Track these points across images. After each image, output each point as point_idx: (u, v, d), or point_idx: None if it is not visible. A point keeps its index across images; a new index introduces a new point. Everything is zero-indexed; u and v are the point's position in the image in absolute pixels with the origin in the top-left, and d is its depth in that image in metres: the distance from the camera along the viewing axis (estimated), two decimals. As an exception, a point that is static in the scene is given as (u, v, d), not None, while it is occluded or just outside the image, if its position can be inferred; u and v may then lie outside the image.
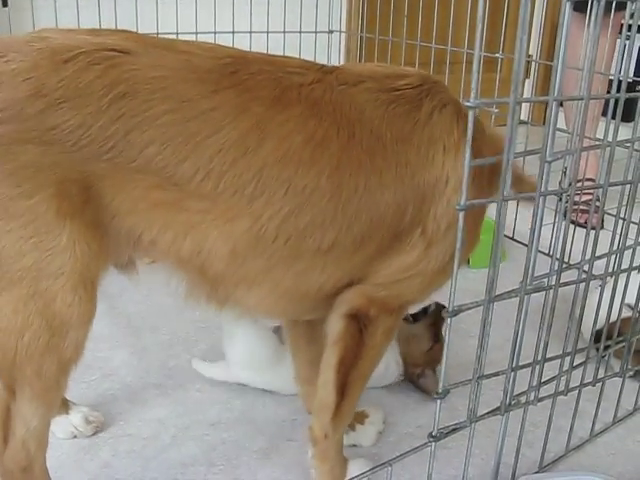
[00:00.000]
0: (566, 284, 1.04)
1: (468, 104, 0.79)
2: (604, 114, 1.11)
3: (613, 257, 1.14)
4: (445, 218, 1.01)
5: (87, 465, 1.25)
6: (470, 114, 0.80)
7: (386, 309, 1.05)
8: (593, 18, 0.91)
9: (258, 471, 1.25)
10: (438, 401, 0.95)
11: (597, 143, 1.02)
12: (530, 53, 2.80)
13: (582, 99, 0.92)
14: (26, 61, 0.86)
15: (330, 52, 2.75)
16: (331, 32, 2.79)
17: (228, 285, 1.01)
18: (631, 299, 1.27)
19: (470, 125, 0.81)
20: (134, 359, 1.58)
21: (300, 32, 2.60)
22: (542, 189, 0.91)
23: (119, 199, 0.91)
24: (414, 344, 1.45)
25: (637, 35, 0.97)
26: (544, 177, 0.90)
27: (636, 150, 1.16)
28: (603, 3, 0.90)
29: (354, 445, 1.30)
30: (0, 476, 1.00)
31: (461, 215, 0.85)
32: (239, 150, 0.90)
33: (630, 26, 1.09)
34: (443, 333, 1.48)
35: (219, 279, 1.00)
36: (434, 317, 1.47)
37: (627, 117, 1.03)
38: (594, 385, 1.25)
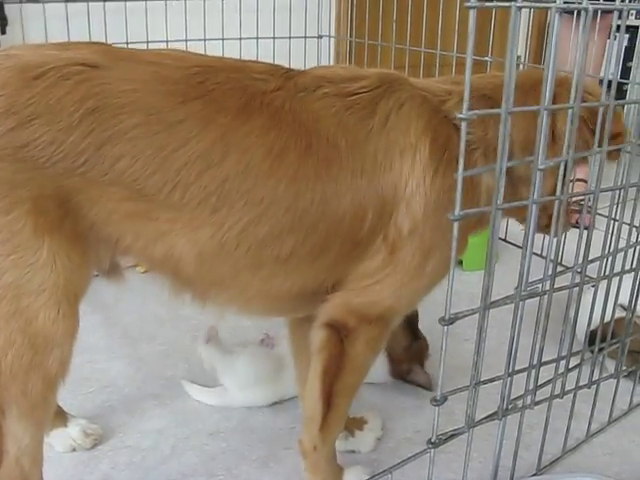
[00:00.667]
0: (560, 289, 1.05)
1: (461, 116, 0.80)
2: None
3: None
4: (407, 222, 1.01)
5: (87, 478, 1.25)
6: (463, 125, 0.81)
7: (365, 319, 1.05)
8: (581, 26, 0.92)
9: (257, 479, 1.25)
10: (436, 408, 0.96)
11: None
12: (518, 54, 2.81)
13: (572, 107, 0.93)
14: None
15: (320, 57, 2.76)
16: (320, 37, 2.80)
17: (202, 285, 1.04)
18: (624, 300, 1.28)
19: (463, 137, 0.81)
20: (131, 370, 1.58)
21: (290, 38, 2.60)
22: (535, 196, 0.92)
23: (95, 210, 0.92)
24: (392, 342, 1.46)
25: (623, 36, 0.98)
26: (537, 184, 0.91)
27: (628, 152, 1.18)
28: (591, 11, 0.91)
29: (353, 451, 1.31)
30: None
31: (455, 225, 0.86)
32: (204, 163, 0.92)
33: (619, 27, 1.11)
34: (420, 329, 1.53)
35: (192, 281, 1.03)
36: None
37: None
38: (589, 387, 1.26)
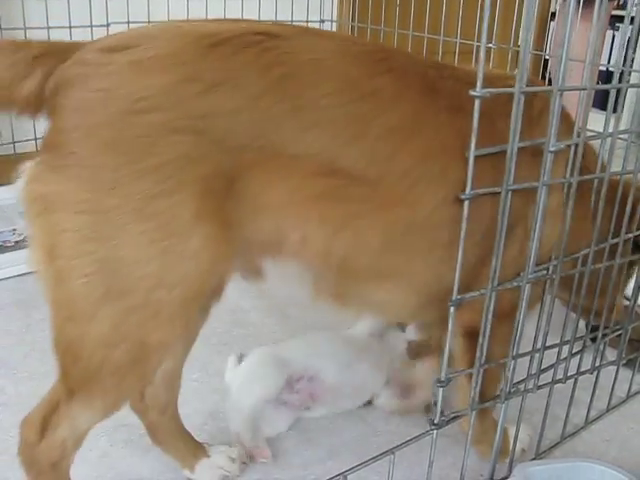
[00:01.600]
0: (567, 274, 1.05)
1: (474, 93, 0.79)
2: (593, 105, 1.12)
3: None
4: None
5: (86, 455, 1.24)
6: (476, 103, 0.81)
7: (501, 315, 0.99)
8: (595, 13, 0.92)
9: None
10: (440, 389, 0.96)
11: (595, 133, 1.02)
12: (519, 44, 2.80)
13: (585, 89, 0.93)
14: (169, 47, 0.82)
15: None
16: (322, 22, 2.79)
17: (360, 280, 0.97)
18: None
19: (476, 115, 0.81)
20: (130, 349, 1.57)
21: (292, 22, 2.59)
22: (545, 178, 0.92)
23: (268, 192, 0.85)
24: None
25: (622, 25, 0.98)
26: (547, 166, 0.91)
27: (633, 142, 1.18)
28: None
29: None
30: (25, 466, 0.98)
31: (466, 204, 0.86)
32: (400, 136, 0.88)
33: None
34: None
35: (354, 274, 0.96)
36: None
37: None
38: (592, 373, 1.26)
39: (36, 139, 2.42)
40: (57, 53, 0.85)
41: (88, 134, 0.80)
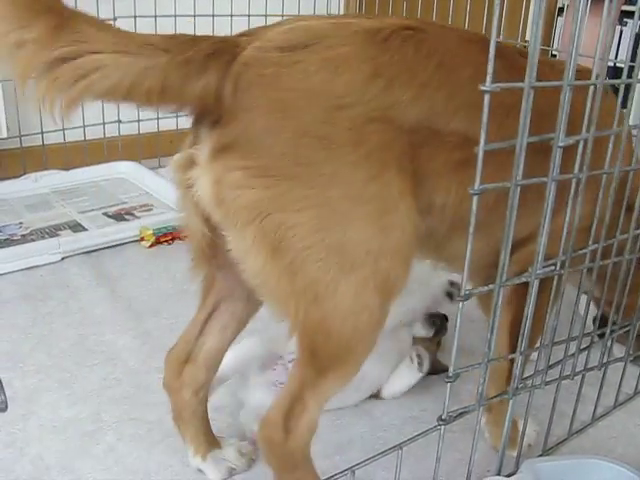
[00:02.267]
0: (575, 270, 1.05)
1: (484, 88, 0.79)
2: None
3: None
4: None
5: (92, 449, 1.25)
6: (486, 98, 0.80)
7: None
8: (606, 8, 0.91)
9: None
10: (448, 384, 0.96)
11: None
12: (527, 38, 2.79)
13: (595, 84, 0.92)
14: (350, 44, 0.88)
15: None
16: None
17: (462, 235, 0.98)
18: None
19: (485, 109, 0.81)
20: (136, 343, 1.57)
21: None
22: (554, 173, 0.91)
23: (429, 165, 0.94)
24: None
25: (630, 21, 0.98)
26: (557, 161, 0.90)
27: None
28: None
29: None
30: (278, 467, 1.00)
31: (475, 199, 0.85)
32: (514, 112, 0.88)
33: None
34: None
35: (462, 230, 0.98)
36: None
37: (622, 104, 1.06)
38: (600, 369, 1.26)
39: (42, 133, 2.44)
40: (227, 50, 0.87)
41: (297, 133, 0.85)
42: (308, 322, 0.91)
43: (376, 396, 1.42)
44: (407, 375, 1.39)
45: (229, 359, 1.25)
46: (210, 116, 0.89)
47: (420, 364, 1.37)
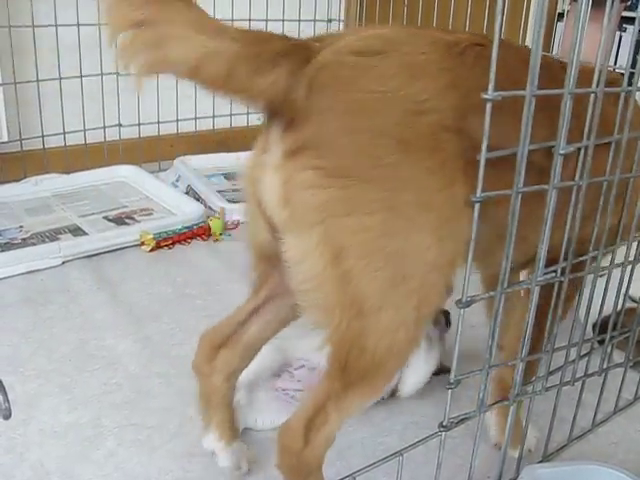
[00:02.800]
0: (576, 276, 1.05)
1: (486, 97, 0.79)
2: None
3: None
4: None
5: (93, 454, 1.25)
6: (487, 106, 0.80)
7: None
8: (606, 16, 0.92)
9: (264, 460, 1.24)
10: (449, 391, 0.96)
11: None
12: (526, 44, 2.79)
13: (595, 92, 0.93)
14: (429, 53, 0.88)
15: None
16: (330, 21, 2.79)
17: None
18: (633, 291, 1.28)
19: (487, 118, 0.81)
20: (137, 348, 1.57)
21: (299, 20, 2.60)
22: (555, 181, 0.92)
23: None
24: None
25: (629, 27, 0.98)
26: (557, 169, 0.91)
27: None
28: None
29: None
30: (289, 474, 1.00)
31: (476, 207, 0.85)
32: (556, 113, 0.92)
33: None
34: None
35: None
36: None
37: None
38: (600, 375, 1.26)
39: (43, 136, 2.44)
40: (299, 52, 0.88)
41: (374, 134, 0.85)
42: (347, 335, 0.90)
43: (393, 395, 1.41)
44: (421, 368, 1.39)
45: (247, 372, 1.26)
46: (280, 116, 0.88)
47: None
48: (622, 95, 0.96)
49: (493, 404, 1.08)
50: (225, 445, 1.20)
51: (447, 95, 0.87)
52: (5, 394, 0.87)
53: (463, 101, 0.88)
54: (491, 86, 0.79)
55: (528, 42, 2.87)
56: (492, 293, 0.94)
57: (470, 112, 0.87)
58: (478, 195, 0.84)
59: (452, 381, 0.95)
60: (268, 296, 1.13)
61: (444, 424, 0.99)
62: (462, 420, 1.02)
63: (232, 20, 2.46)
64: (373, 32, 0.95)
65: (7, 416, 0.87)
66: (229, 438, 1.21)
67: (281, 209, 0.89)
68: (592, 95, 0.93)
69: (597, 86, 0.93)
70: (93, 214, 2.28)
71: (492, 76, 0.79)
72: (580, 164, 0.96)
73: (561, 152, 0.90)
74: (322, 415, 0.95)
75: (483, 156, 0.83)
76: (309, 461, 0.98)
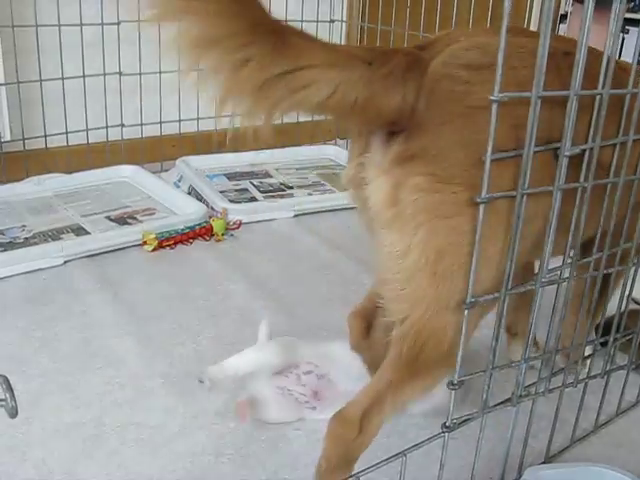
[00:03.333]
0: (579, 277, 1.05)
1: (493, 98, 0.79)
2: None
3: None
4: None
5: (95, 453, 1.25)
6: (493, 107, 0.80)
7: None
8: (612, 19, 0.92)
9: (266, 460, 1.25)
10: (453, 392, 0.96)
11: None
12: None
13: (601, 94, 0.93)
14: (530, 67, 0.86)
15: (331, 41, 2.75)
16: (332, 21, 2.79)
17: None
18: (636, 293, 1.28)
19: (493, 119, 0.81)
20: (139, 347, 1.57)
21: (302, 21, 2.59)
22: (560, 182, 0.92)
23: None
24: None
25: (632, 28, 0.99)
26: (562, 170, 0.91)
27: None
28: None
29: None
30: (333, 460, 1.02)
31: (481, 208, 0.86)
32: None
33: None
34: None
35: None
36: None
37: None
38: (602, 377, 1.26)
39: (45, 136, 2.44)
40: (418, 65, 0.91)
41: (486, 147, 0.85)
42: (428, 327, 0.95)
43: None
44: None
45: (247, 359, 1.27)
46: (391, 127, 0.92)
47: None
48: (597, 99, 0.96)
49: (496, 405, 1.07)
50: None
51: (547, 112, 0.88)
52: (12, 392, 0.87)
53: (560, 114, 0.89)
54: (497, 88, 0.79)
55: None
56: (496, 294, 0.94)
57: (558, 124, 0.90)
58: (483, 196, 0.84)
59: (455, 382, 0.95)
60: None
61: (447, 425, 0.99)
62: (465, 421, 1.02)
63: (235, 20, 2.46)
64: (475, 41, 0.97)
65: (13, 415, 0.87)
66: None
67: (388, 208, 0.92)
68: (597, 96, 0.93)
69: (602, 88, 0.93)
70: (95, 214, 2.28)
71: (498, 78, 0.79)
72: (585, 166, 0.96)
73: (566, 154, 0.90)
74: (379, 404, 0.98)
75: (488, 157, 0.83)
76: (357, 449, 1.01)
